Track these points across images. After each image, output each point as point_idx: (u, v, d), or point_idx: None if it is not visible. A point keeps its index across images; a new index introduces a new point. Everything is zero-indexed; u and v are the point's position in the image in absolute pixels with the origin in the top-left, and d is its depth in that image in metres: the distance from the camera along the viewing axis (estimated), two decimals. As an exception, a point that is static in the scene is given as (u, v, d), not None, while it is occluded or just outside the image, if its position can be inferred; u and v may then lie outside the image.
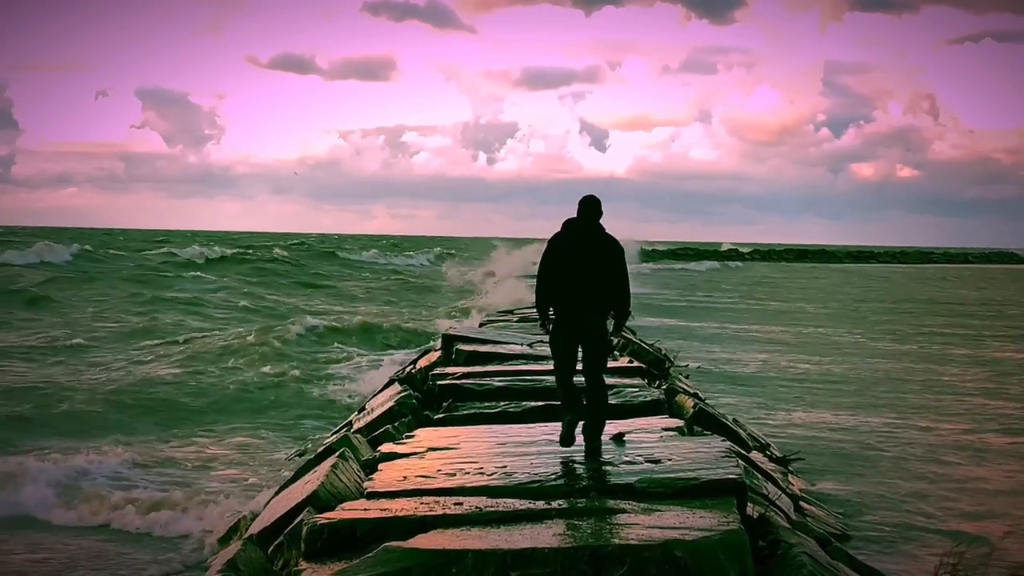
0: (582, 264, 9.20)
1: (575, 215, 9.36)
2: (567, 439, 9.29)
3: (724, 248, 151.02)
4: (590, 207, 9.29)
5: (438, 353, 17.48)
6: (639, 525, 6.82)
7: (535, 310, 9.93)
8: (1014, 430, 17.04)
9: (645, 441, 9.56)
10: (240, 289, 47.31)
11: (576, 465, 8.64)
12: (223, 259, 68.28)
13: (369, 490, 8.21)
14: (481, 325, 23.45)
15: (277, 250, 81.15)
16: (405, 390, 13.85)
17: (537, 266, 9.53)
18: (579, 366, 9.51)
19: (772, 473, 11.61)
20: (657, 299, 50.16)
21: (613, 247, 9.28)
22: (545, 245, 9.43)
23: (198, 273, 55.90)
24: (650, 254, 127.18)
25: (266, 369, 22.93)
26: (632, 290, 9.46)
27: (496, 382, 13.09)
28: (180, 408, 18.77)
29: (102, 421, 17.21)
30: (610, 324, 9.59)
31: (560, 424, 9.50)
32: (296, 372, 22.61)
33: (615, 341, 19.69)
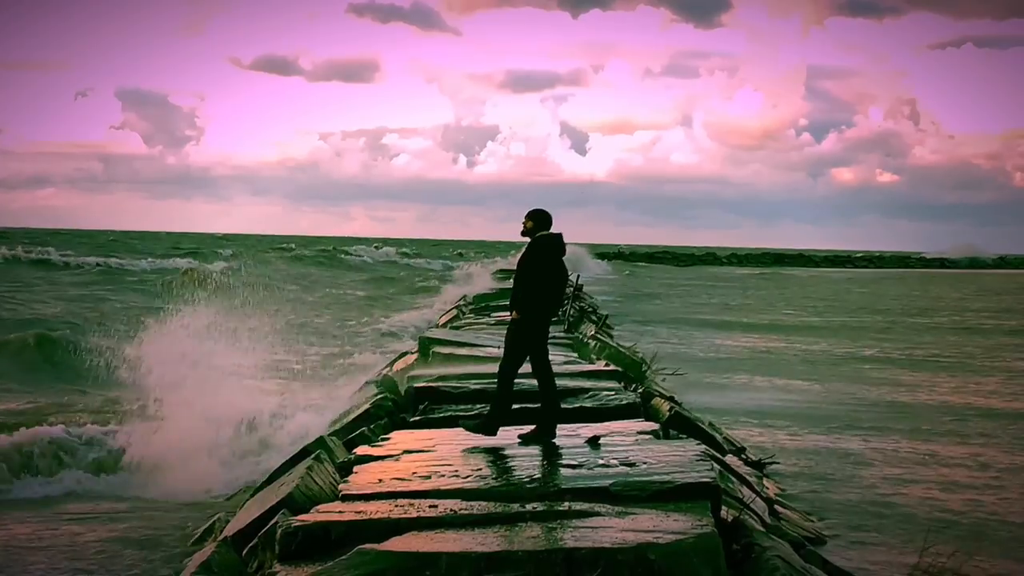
0: (558, 271, 10.00)
1: (540, 226, 10.04)
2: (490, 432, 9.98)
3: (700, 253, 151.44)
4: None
5: (414, 355, 17.48)
6: (613, 528, 6.84)
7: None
8: (988, 436, 17.15)
9: (620, 444, 9.60)
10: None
11: (551, 468, 8.66)
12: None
13: (344, 492, 8.22)
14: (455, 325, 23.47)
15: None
16: (381, 392, 13.84)
17: (522, 272, 10.03)
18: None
19: (747, 476, 11.65)
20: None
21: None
22: (529, 252, 9.99)
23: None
24: (628, 257, 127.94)
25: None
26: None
27: (472, 385, 13.10)
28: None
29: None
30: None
31: (532, 427, 10.06)
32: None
33: (595, 345, 19.78)
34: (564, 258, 10.08)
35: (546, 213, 10.12)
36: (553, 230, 10.07)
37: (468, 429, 10.06)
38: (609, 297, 53.05)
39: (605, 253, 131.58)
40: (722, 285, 77.19)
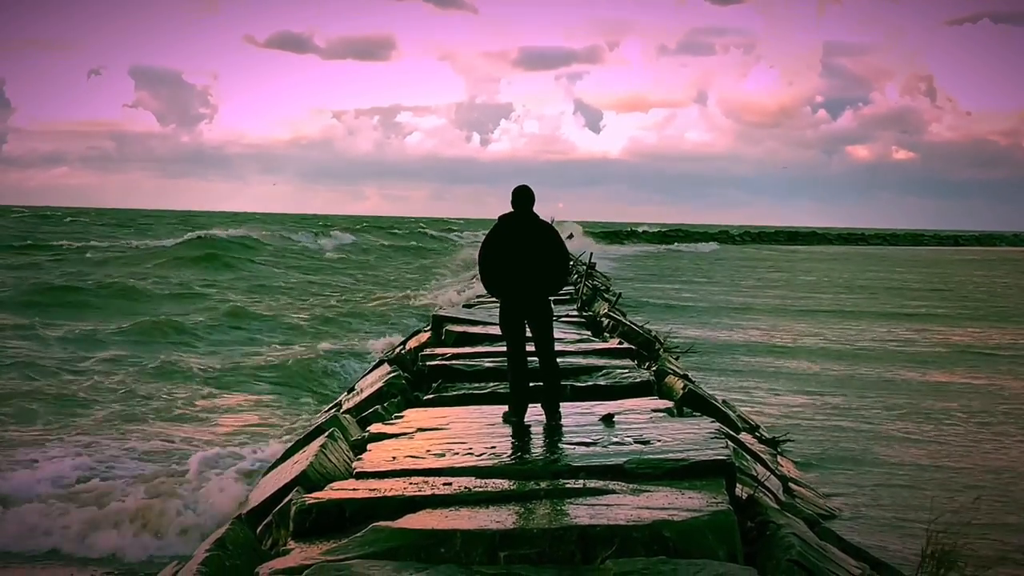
0: (526, 249, 9.76)
1: (511, 205, 9.88)
2: (511, 418, 9.82)
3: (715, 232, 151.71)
4: (527, 197, 9.88)
5: (428, 334, 17.47)
6: (628, 506, 6.83)
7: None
8: (1004, 412, 17.10)
9: (635, 422, 9.57)
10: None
11: (565, 446, 8.65)
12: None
13: (358, 470, 8.23)
14: (468, 305, 23.44)
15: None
16: (395, 371, 13.83)
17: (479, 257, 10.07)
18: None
19: (761, 454, 11.64)
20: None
21: (550, 230, 9.97)
22: (486, 236, 9.99)
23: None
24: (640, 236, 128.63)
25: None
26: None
27: (486, 363, 13.10)
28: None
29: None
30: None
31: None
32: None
33: (608, 323, 19.73)
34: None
35: (515, 192, 9.90)
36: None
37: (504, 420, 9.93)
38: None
39: (619, 232, 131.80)
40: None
